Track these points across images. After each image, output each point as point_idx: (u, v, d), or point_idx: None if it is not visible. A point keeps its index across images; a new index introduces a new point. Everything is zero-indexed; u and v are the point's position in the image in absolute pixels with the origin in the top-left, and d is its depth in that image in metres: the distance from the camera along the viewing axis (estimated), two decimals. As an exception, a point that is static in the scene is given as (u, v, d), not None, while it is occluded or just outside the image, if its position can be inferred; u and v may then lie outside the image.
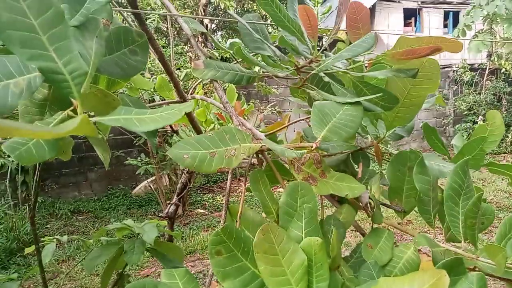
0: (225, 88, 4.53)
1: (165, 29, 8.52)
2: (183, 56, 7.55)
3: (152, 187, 7.17)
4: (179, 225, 6.27)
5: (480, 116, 10.36)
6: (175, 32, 8.90)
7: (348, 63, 1.02)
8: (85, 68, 0.43)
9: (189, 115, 1.47)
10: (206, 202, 7.53)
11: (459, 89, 11.19)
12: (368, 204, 0.81)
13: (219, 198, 7.72)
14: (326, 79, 0.83)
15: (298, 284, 0.59)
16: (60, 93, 0.43)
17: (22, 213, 6.05)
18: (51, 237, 1.97)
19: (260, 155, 0.78)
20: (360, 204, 0.81)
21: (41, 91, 0.69)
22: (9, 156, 5.49)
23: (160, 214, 2.26)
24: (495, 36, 10.11)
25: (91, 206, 7.39)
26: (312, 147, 0.66)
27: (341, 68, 0.92)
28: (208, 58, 1.03)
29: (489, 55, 10.46)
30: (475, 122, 10.51)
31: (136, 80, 1.39)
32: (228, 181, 0.78)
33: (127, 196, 7.80)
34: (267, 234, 0.59)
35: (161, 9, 6.59)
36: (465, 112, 10.65)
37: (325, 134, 0.68)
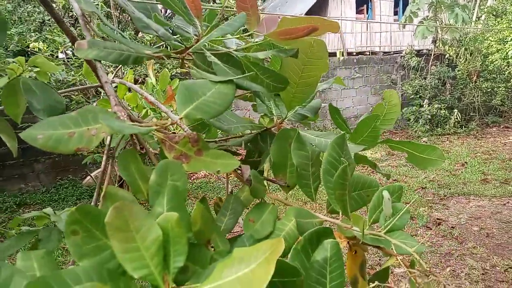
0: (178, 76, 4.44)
1: (118, 14, 8.23)
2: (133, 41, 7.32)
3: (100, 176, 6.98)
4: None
5: (426, 100, 10.85)
6: (127, 18, 8.62)
7: (243, 43, 1.03)
8: None
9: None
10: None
11: (406, 74, 11.64)
12: (249, 180, 0.83)
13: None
14: (211, 59, 0.84)
15: (152, 259, 0.59)
16: None
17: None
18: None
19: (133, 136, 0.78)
20: (242, 179, 0.83)
21: None
22: None
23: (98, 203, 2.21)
24: (441, 23, 10.55)
25: (39, 198, 7.12)
26: (165, 124, 0.66)
27: (230, 48, 0.92)
28: (100, 39, 1.00)
29: (434, 41, 10.92)
30: (421, 106, 11.00)
31: (43, 64, 1.34)
32: (103, 163, 0.77)
33: (77, 186, 7.57)
34: (119, 211, 0.59)
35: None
36: (412, 96, 11.11)
37: (189, 112, 0.68)
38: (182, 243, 0.62)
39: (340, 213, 0.83)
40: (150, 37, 6.53)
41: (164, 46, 1.63)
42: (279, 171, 0.88)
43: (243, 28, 0.92)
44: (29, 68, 1.29)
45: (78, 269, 0.57)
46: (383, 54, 13.33)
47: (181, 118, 0.67)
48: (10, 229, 1.65)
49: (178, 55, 0.81)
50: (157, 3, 0.96)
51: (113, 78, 1.93)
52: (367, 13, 14.97)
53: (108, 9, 6.93)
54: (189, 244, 0.63)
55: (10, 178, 7.35)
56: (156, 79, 2.54)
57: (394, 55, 12.46)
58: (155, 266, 0.59)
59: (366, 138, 1.12)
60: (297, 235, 0.82)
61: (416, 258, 0.71)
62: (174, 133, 0.86)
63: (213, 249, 0.74)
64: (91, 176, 6.08)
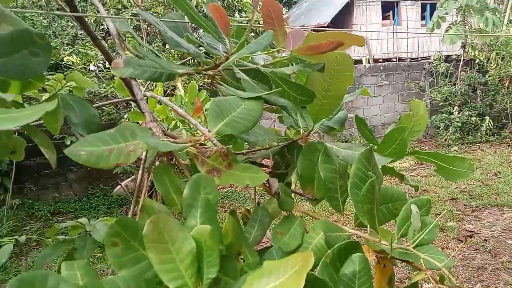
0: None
1: (146, 27, 8.48)
2: (161, 53, 7.51)
3: (132, 186, 7.15)
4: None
5: (456, 107, 10.56)
6: (148, 30, 8.85)
7: (271, 58, 1.05)
8: None
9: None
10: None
11: (435, 81, 11.38)
12: (278, 193, 0.85)
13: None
14: (239, 75, 0.87)
15: (187, 270, 0.62)
16: None
17: (-1, 215, 6.00)
18: (10, 238, 1.98)
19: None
20: (271, 192, 0.85)
21: None
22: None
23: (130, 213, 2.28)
24: (470, 28, 10.30)
25: (71, 207, 7.34)
26: (198, 140, 0.69)
27: (259, 64, 0.95)
28: (135, 57, 1.05)
29: (463, 46, 10.66)
30: (450, 113, 10.71)
31: (79, 80, 1.41)
32: (139, 176, 0.81)
33: (108, 196, 7.76)
34: (156, 224, 0.62)
35: (134, 7, 6.55)
36: (441, 103, 10.83)
37: (220, 128, 0.71)
38: (215, 255, 0.64)
39: (368, 226, 0.84)
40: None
41: (193, 60, 1.67)
42: (306, 184, 0.90)
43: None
44: (67, 84, 1.36)
45: (117, 278, 0.61)
46: (410, 61, 13.12)
47: (213, 134, 0.70)
48: (46, 237, 1.72)
49: (209, 72, 0.84)
50: (187, 22, 1.00)
51: (144, 91, 1.99)
52: (393, 19, 14.80)
53: (138, 22, 7.15)
54: (221, 256, 0.66)
55: (45, 187, 7.63)
56: (184, 91, 2.61)
57: (421, 61, 12.24)
58: (189, 277, 0.62)
59: (394, 150, 1.12)
60: (325, 248, 0.83)
61: (445, 273, 0.71)
62: (202, 145, 0.89)
63: (243, 261, 0.76)
64: (121, 186, 6.25)
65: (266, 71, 0.90)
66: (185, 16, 1.04)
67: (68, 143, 5.07)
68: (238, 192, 7.97)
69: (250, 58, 1.04)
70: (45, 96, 1.37)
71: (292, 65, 1.10)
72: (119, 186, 7.80)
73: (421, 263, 0.77)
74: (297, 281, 0.53)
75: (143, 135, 0.68)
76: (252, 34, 6.71)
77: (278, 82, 0.97)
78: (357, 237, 0.87)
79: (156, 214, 0.62)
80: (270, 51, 0.95)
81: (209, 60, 1.00)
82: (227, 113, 0.74)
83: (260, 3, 0.92)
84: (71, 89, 1.51)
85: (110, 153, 0.67)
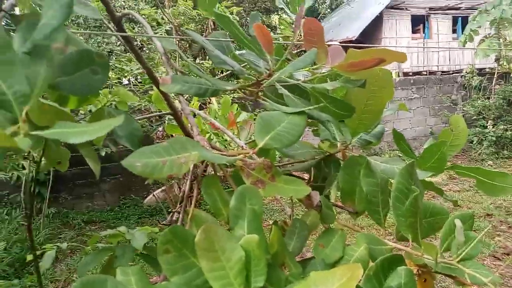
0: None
1: (177, 42, 8.71)
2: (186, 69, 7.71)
3: (162, 196, 7.28)
4: (187, 234, 6.33)
5: (490, 121, 10.23)
6: (185, 45, 9.08)
7: (310, 74, 1.08)
8: (27, 90, 0.50)
9: (182, 127, 1.54)
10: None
11: (468, 94, 11.09)
12: (319, 206, 0.87)
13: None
14: (281, 91, 0.90)
15: (236, 279, 0.65)
16: (4, 111, 0.51)
17: (36, 224, 6.22)
18: (52, 245, 2.06)
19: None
20: (311, 205, 0.87)
21: None
22: (23, 168, 5.68)
23: (163, 222, 2.34)
24: (504, 40, 10.03)
25: (104, 216, 7.54)
26: (248, 153, 0.72)
27: (298, 80, 0.98)
28: (178, 73, 1.10)
29: (497, 59, 10.37)
30: (484, 127, 10.39)
31: (122, 95, 1.48)
32: (187, 189, 0.85)
33: (139, 206, 7.93)
34: (207, 233, 0.65)
35: (167, 24, 6.77)
36: (474, 117, 10.53)
37: (266, 142, 0.74)
38: (262, 264, 0.66)
39: (410, 240, 0.84)
40: (209, 64, 6.83)
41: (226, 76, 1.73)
42: (347, 198, 0.91)
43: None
44: (112, 98, 1.43)
45: (171, 285, 0.64)
46: (441, 74, 12.86)
47: (259, 147, 0.73)
48: (87, 245, 1.79)
49: (253, 88, 0.88)
50: (231, 40, 1.05)
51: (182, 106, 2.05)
52: (423, 33, 14.59)
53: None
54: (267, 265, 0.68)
55: (79, 197, 7.88)
56: (217, 105, 2.67)
57: (453, 74, 11.98)
58: (238, 285, 0.64)
59: (433, 164, 1.12)
60: (367, 261, 0.84)
61: (493, 289, 0.71)
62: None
63: (285, 271, 0.78)
64: (154, 196, 6.38)
65: (307, 86, 0.93)
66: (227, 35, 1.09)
67: (103, 154, 5.24)
68: (266, 204, 7.97)
69: (290, 74, 1.07)
70: (92, 109, 1.44)
71: (328, 81, 1.13)
72: (150, 196, 7.96)
73: (465, 278, 0.76)
74: (346, 292, 0.54)
75: (195, 148, 0.72)
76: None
77: (317, 97, 0.99)
78: (397, 250, 0.87)
79: (207, 223, 0.65)
80: (310, 68, 0.98)
81: (250, 76, 1.04)
82: (272, 128, 0.77)
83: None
84: (115, 103, 1.58)
85: (163, 165, 0.71)
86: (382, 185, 0.88)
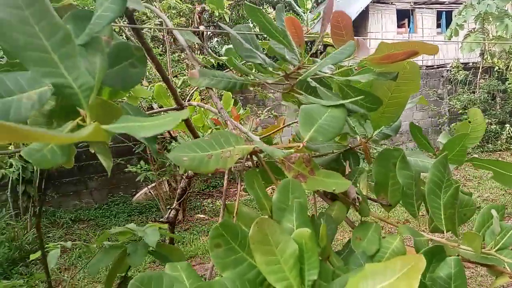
0: (221, 94, 4.60)
1: (161, 37, 8.62)
2: (179, 64, 7.63)
3: (152, 193, 7.21)
4: (179, 230, 6.31)
5: (475, 114, 10.41)
6: (172, 40, 8.97)
7: (335, 68, 1.08)
8: (91, 82, 0.48)
9: (186, 122, 1.53)
10: (206, 207, 7.57)
11: (454, 88, 11.28)
12: (356, 199, 0.87)
13: (219, 203, 7.76)
14: (313, 84, 0.90)
15: (291, 272, 0.64)
16: (70, 105, 0.49)
17: (23, 223, 6.08)
18: (56, 244, 2.02)
19: (254, 157, 0.84)
20: (348, 198, 0.87)
21: (49, 103, 0.75)
22: (10, 167, 5.54)
23: (161, 219, 2.32)
24: (487, 35, 10.23)
25: (92, 214, 7.42)
26: (299, 146, 0.72)
27: (327, 73, 0.98)
28: (202, 67, 1.09)
29: (482, 54, 10.57)
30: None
31: (135, 89, 1.45)
32: (225, 183, 0.84)
33: (128, 203, 7.84)
34: (261, 226, 0.64)
35: (156, 18, 6.68)
36: (460, 111, 10.73)
37: (311, 135, 0.74)
38: (315, 257, 0.66)
39: (445, 231, 0.85)
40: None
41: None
42: (381, 191, 0.91)
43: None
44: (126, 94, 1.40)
45: (225, 280, 0.63)
46: (426, 68, 13.04)
47: (306, 140, 0.72)
48: (95, 242, 1.76)
49: (289, 81, 0.87)
50: (261, 33, 1.03)
51: (187, 101, 2.04)
52: (408, 27, 14.77)
53: (156, 32, 7.27)
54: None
55: (66, 195, 7.74)
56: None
57: (439, 69, 12.16)
58: (293, 278, 0.64)
59: (453, 157, 1.13)
60: (404, 253, 0.85)
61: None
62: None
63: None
64: (150, 192, 6.32)
65: (338, 79, 0.93)
66: (254, 28, 1.08)
67: (93, 151, 5.14)
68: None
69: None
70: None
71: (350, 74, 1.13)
72: (139, 194, 7.88)
73: (504, 267, 0.78)
74: (410, 283, 0.54)
75: (239, 142, 0.71)
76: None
77: (345, 90, 0.99)
78: (432, 241, 0.88)
79: (260, 217, 0.65)
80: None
81: (275, 71, 1.04)
82: (315, 120, 0.77)
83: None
84: (125, 99, 1.55)
85: (209, 159, 0.70)
86: (416, 178, 0.89)
